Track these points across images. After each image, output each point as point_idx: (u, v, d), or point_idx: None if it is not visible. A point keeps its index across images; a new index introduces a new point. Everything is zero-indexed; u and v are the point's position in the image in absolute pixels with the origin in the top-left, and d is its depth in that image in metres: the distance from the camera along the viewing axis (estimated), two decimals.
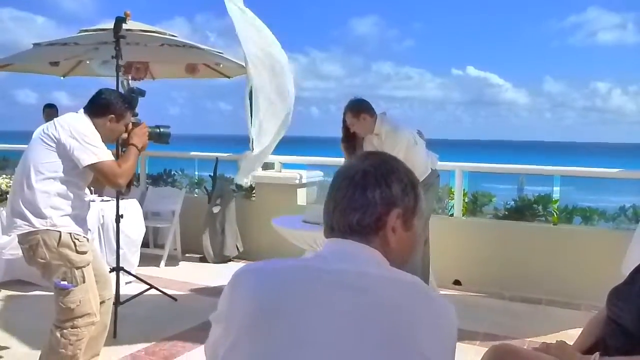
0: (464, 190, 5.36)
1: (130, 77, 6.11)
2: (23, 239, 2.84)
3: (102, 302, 3.07)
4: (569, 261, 4.75)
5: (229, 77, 6.88)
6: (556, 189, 5.13)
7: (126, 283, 4.65)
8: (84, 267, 2.88)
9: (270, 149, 5.47)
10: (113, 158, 2.96)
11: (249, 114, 5.85)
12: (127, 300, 4.18)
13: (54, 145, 2.82)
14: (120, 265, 4.28)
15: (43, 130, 2.90)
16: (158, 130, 3.43)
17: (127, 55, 5.65)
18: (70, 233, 2.85)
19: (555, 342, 2.02)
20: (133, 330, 3.95)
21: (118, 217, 4.18)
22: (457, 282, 5.09)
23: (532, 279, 4.84)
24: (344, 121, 4.47)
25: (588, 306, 4.59)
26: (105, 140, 2.99)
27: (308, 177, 6.15)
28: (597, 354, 1.85)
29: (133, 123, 3.18)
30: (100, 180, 3.02)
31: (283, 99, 5.41)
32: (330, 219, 1.26)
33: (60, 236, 2.81)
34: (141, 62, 6.16)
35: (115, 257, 4.85)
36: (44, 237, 2.80)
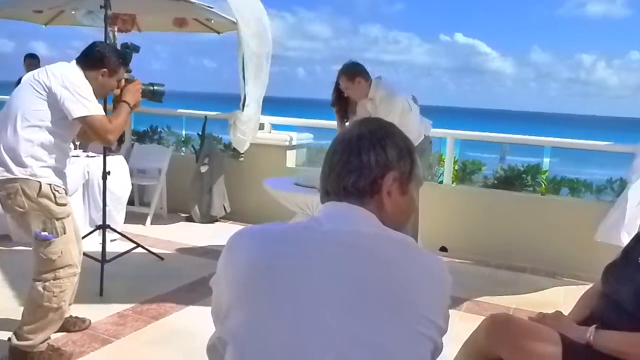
0: (454, 158, 5.34)
1: (116, 29, 5.93)
2: (1, 185, 2.76)
3: None
4: (554, 231, 4.79)
5: (218, 33, 6.67)
6: (546, 160, 5.13)
7: (111, 241, 4.58)
8: (64, 218, 2.83)
9: (258, 114, 5.43)
10: (104, 113, 2.87)
11: (242, 73, 5.77)
12: (113, 258, 4.12)
13: (44, 93, 2.73)
14: (107, 221, 4.22)
15: (33, 76, 2.80)
16: (152, 88, 3.34)
17: (114, 6, 5.49)
18: (50, 184, 2.78)
19: (552, 312, 2.02)
20: (120, 288, 3.92)
21: (105, 174, 4.09)
22: (443, 249, 5.12)
23: (517, 248, 4.88)
24: (337, 84, 4.39)
25: (571, 275, 4.67)
26: (96, 95, 2.90)
27: (298, 139, 6.09)
28: (593, 326, 1.86)
29: (126, 79, 3.11)
30: (88, 134, 2.94)
31: (266, 64, 5.36)
32: (326, 183, 1.27)
33: (40, 186, 2.75)
34: (128, 13, 5.97)
35: (100, 214, 4.82)
36: (23, 185, 2.72)
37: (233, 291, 1.17)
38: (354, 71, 4.27)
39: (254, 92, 5.28)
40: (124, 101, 2.99)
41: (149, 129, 6.85)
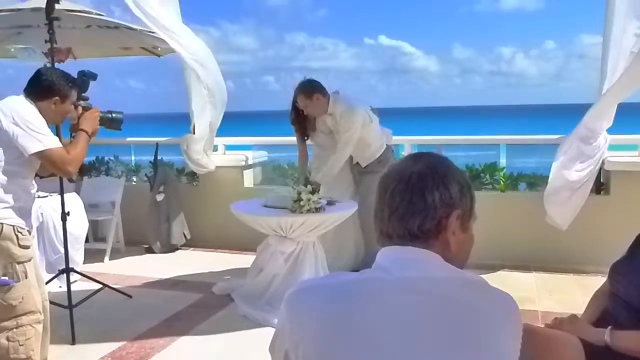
0: None
1: (48, 62, 5.68)
2: None
3: None
4: (518, 226, 4.92)
5: (159, 56, 6.54)
6: (502, 158, 5.26)
7: (72, 282, 4.34)
8: (26, 262, 2.69)
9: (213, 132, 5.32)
10: (60, 145, 2.75)
11: (190, 95, 5.65)
12: (80, 302, 3.91)
13: None
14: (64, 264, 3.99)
15: None
16: (110, 115, 3.23)
17: (43, 39, 5.26)
18: (13, 225, 2.65)
19: (567, 317, 2.04)
20: (92, 333, 3.71)
21: (64, 215, 3.87)
22: None
23: (484, 246, 4.89)
24: (294, 102, 4.36)
25: (540, 267, 4.80)
26: (54, 122, 2.88)
27: (254, 158, 5.99)
28: (609, 328, 1.88)
29: (83, 107, 3.02)
30: (47, 168, 2.82)
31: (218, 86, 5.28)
32: (386, 226, 1.21)
33: (2, 229, 2.61)
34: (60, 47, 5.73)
35: (57, 257, 4.59)
36: None
37: (307, 351, 1.10)
38: (311, 88, 4.25)
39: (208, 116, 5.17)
40: (82, 130, 2.90)
41: (95, 161, 6.56)
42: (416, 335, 1.06)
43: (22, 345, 2.65)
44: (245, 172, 5.91)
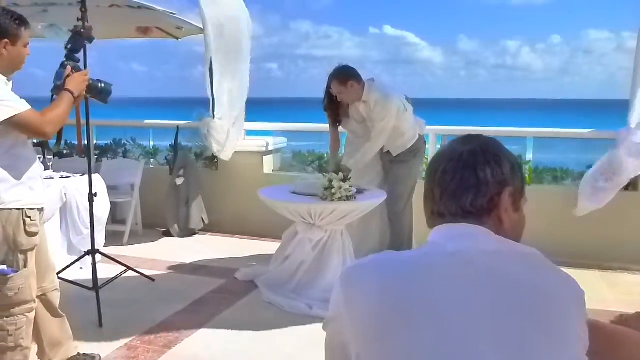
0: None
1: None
2: None
3: (43, 295, 2.73)
4: (543, 220, 4.86)
5: (177, 38, 6.47)
6: (529, 151, 5.19)
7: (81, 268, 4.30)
8: (28, 250, 2.56)
9: (241, 116, 5.25)
10: (29, 106, 2.48)
11: (209, 79, 5.58)
12: (105, 284, 3.87)
13: None
14: (87, 246, 3.95)
15: None
16: (100, 84, 2.99)
17: (69, 17, 5.19)
18: (22, 209, 2.50)
19: (634, 314, 1.99)
20: (119, 317, 3.66)
21: (91, 196, 3.81)
22: None
23: None
24: (328, 88, 4.30)
25: (562, 263, 4.72)
26: (11, 70, 2.55)
27: (274, 144, 5.94)
28: None
29: (73, 68, 2.76)
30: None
31: (244, 63, 5.21)
32: (438, 205, 1.20)
33: (9, 215, 2.47)
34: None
35: (80, 238, 4.56)
36: None
37: (365, 329, 1.08)
38: (346, 75, 4.19)
39: (231, 92, 5.10)
40: (67, 90, 2.64)
41: (112, 143, 6.51)
42: (479, 312, 1.03)
43: (11, 335, 2.53)
44: (265, 158, 5.85)
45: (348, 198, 3.83)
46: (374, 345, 1.05)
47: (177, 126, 5.86)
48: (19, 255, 2.52)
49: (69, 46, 2.84)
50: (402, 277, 1.09)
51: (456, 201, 1.17)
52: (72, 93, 2.64)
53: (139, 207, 5.71)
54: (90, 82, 2.87)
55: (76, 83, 2.69)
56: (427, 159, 4.78)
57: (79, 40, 2.98)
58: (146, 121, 6.36)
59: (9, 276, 2.49)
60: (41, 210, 2.66)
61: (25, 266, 2.54)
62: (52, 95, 2.69)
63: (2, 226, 2.47)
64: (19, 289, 2.52)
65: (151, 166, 6.33)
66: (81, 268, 4.29)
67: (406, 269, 1.11)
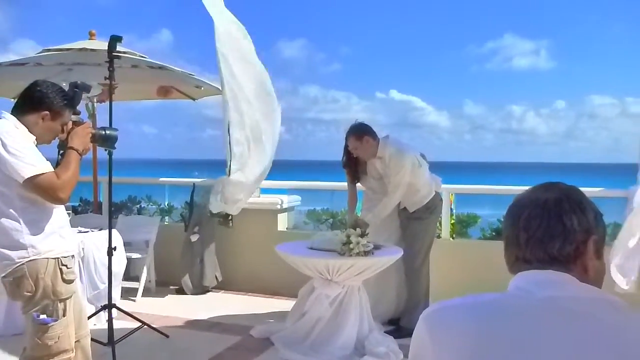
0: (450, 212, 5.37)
1: (95, 100, 5.79)
2: (7, 274, 2.49)
3: (77, 341, 2.70)
4: None
5: (194, 99, 6.66)
6: None
7: (106, 320, 4.28)
8: (67, 299, 2.57)
9: (263, 175, 5.30)
10: (52, 169, 2.51)
11: (228, 138, 5.68)
12: (120, 339, 3.85)
13: None
14: (103, 300, 3.96)
15: None
16: (103, 132, 2.97)
17: (94, 77, 5.37)
18: (56, 258, 2.53)
19: None
20: None
21: (110, 250, 3.86)
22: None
23: None
24: (346, 146, 4.40)
25: None
26: (40, 141, 2.58)
27: (288, 202, 5.99)
28: None
29: (74, 122, 2.74)
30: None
31: (269, 118, 5.28)
32: (524, 251, 1.19)
33: (46, 265, 2.50)
34: (106, 84, 5.86)
35: (96, 292, 4.55)
36: (30, 268, 2.47)
37: None
38: (361, 131, 4.29)
39: (256, 155, 5.17)
40: (72, 148, 2.61)
41: (127, 200, 6.59)
42: (570, 351, 1.04)
43: None
44: (279, 215, 5.89)
45: (366, 253, 3.84)
46: None
47: (194, 183, 5.94)
48: (59, 304, 2.53)
49: (66, 101, 2.71)
50: (498, 320, 1.10)
51: (543, 248, 1.17)
52: (77, 150, 2.63)
53: (152, 263, 5.71)
54: (94, 132, 2.88)
55: (79, 138, 2.67)
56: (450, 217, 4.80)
57: (76, 93, 2.90)
58: (162, 179, 6.44)
59: (49, 325, 2.50)
60: (73, 257, 2.71)
61: (64, 315, 2.55)
62: (59, 152, 2.72)
63: (41, 277, 2.49)
64: (58, 338, 2.52)
65: (165, 223, 6.37)
66: (95, 325, 4.27)
67: (493, 313, 1.12)
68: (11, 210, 2.47)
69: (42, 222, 2.53)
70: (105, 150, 3.25)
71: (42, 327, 2.50)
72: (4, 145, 2.42)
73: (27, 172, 2.41)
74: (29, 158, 2.45)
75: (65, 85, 4.77)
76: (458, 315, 1.13)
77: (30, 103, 2.57)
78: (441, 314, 1.16)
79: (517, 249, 1.21)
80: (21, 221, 2.48)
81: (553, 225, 1.17)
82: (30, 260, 2.49)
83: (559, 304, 1.10)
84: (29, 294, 2.50)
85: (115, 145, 3.12)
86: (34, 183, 2.44)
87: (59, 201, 2.55)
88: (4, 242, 2.47)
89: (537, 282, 1.15)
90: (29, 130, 2.55)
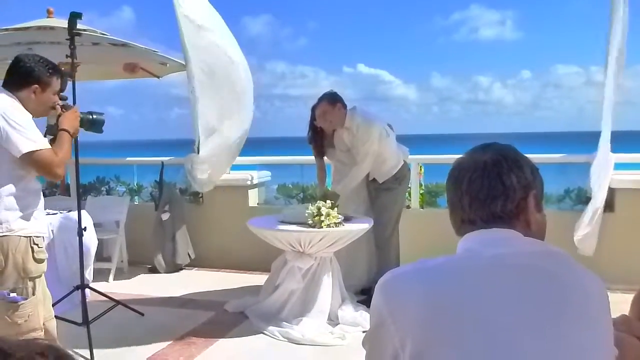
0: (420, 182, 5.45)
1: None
2: None
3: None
4: None
5: (158, 77, 6.56)
6: None
7: (79, 301, 4.27)
8: (37, 277, 2.58)
9: (235, 152, 5.29)
10: (50, 146, 2.58)
11: (195, 116, 5.64)
12: (95, 319, 3.84)
13: None
14: (74, 282, 3.94)
15: None
16: (91, 117, 3.05)
17: (54, 56, 5.25)
18: (29, 236, 2.55)
19: (618, 317, 2.05)
20: (112, 353, 3.64)
21: (80, 230, 3.83)
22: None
23: None
24: (312, 120, 4.41)
25: None
26: (36, 114, 2.64)
27: (258, 178, 6.00)
28: None
29: (62, 106, 2.81)
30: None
31: (238, 98, 5.25)
32: (468, 213, 1.26)
33: (18, 242, 2.51)
34: (67, 63, 5.73)
35: (68, 273, 4.52)
36: (1, 243, 2.49)
37: (414, 339, 1.10)
38: (334, 97, 4.31)
39: (227, 131, 5.15)
40: (63, 129, 2.70)
41: (95, 181, 6.50)
42: (520, 308, 1.10)
43: None
44: (250, 191, 5.90)
45: (337, 225, 3.89)
46: (428, 351, 1.08)
47: (162, 162, 5.89)
48: (28, 283, 2.54)
49: (50, 70, 2.76)
50: (446, 282, 1.14)
51: (487, 208, 1.23)
52: (68, 132, 2.71)
53: (124, 244, 5.69)
54: (82, 116, 2.93)
55: (69, 121, 2.75)
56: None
57: (63, 79, 2.97)
58: (129, 158, 6.37)
59: (19, 303, 2.51)
60: (44, 239, 2.71)
61: (33, 294, 2.56)
62: (45, 136, 2.73)
63: (12, 253, 2.50)
64: (28, 317, 2.53)
65: (135, 203, 6.33)
66: (68, 307, 4.24)
67: (446, 275, 1.16)
68: None
69: (21, 200, 2.54)
70: (92, 133, 3.24)
71: (12, 306, 2.50)
72: (6, 118, 2.47)
73: (26, 147, 2.46)
74: (30, 133, 2.50)
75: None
76: (408, 281, 1.17)
77: (18, 79, 2.61)
78: (393, 282, 1.19)
79: (462, 212, 1.27)
80: (2, 195, 2.49)
81: (494, 186, 1.22)
82: (3, 235, 2.49)
83: (504, 260, 1.16)
84: None
85: (102, 129, 3.16)
86: (32, 158, 2.49)
87: (55, 177, 2.67)
88: None
89: (483, 241, 1.21)
90: (23, 107, 2.59)
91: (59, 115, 2.75)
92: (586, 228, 4.47)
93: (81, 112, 2.94)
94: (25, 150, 2.46)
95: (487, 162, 1.25)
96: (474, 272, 1.15)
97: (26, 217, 2.56)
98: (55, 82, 2.71)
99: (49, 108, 2.74)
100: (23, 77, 2.61)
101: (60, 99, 2.87)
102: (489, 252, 1.18)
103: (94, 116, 3.07)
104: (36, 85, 2.62)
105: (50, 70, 2.68)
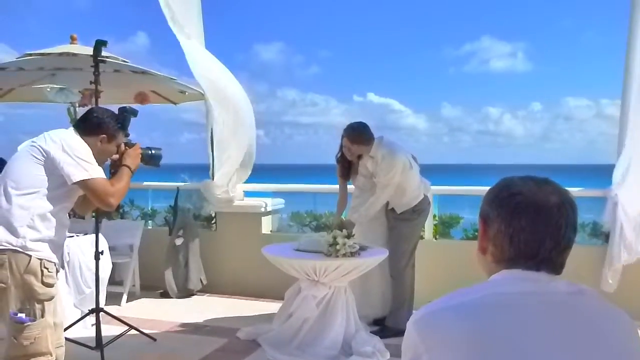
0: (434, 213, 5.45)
1: (77, 104, 5.77)
2: None
3: None
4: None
5: (175, 104, 6.66)
6: None
7: (92, 325, 4.28)
8: (45, 300, 2.58)
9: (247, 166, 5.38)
10: (105, 176, 2.73)
11: (210, 142, 5.73)
12: (108, 343, 3.85)
13: (42, 158, 2.59)
14: (88, 305, 3.96)
15: (31, 142, 2.66)
16: (150, 152, 3.20)
17: (77, 82, 5.35)
18: (41, 259, 2.56)
19: None
20: None
21: (97, 254, 3.87)
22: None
23: None
24: (342, 145, 4.46)
25: None
26: (97, 160, 2.77)
27: (272, 205, 6.02)
28: None
29: (126, 143, 3.01)
30: (86, 202, 2.81)
31: (243, 126, 5.37)
32: (517, 248, 1.21)
33: (29, 261, 2.52)
34: (89, 89, 5.84)
35: (82, 297, 4.53)
36: (11, 258, 2.50)
37: None
38: (359, 136, 4.37)
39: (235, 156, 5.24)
40: (125, 165, 2.88)
41: None
42: (565, 349, 1.10)
43: None
44: (263, 218, 5.92)
45: (352, 254, 3.90)
46: None
47: (177, 187, 5.94)
48: (36, 305, 2.54)
49: (119, 125, 2.95)
50: (480, 320, 1.13)
51: (542, 253, 1.20)
52: (129, 167, 2.88)
53: (137, 268, 5.71)
54: (142, 151, 3.07)
55: (132, 158, 2.93)
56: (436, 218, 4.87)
57: (126, 117, 3.14)
58: (145, 183, 6.42)
59: (25, 324, 2.50)
60: (56, 266, 2.70)
61: (42, 316, 2.55)
62: (110, 171, 2.93)
63: (20, 273, 2.51)
64: (34, 339, 2.52)
65: (149, 227, 6.36)
66: (84, 328, 4.26)
67: (482, 311, 1.14)
68: (30, 201, 2.55)
69: (47, 226, 2.59)
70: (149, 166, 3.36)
71: (19, 326, 2.50)
72: (63, 147, 2.61)
73: (79, 175, 2.60)
74: (86, 164, 2.63)
75: (50, 91, 4.79)
76: (448, 318, 1.15)
77: (89, 127, 2.81)
78: (430, 318, 1.17)
79: (510, 246, 1.22)
80: (30, 214, 2.53)
81: (551, 232, 1.19)
82: (14, 250, 2.50)
83: (541, 298, 1.16)
84: (1, 284, 2.50)
85: (160, 163, 3.29)
86: (86, 184, 2.62)
87: (108, 206, 2.74)
88: (4, 222, 2.50)
89: (525, 278, 1.20)
90: None
91: (123, 152, 2.93)
92: (616, 264, 4.52)
93: (141, 148, 3.08)
94: (76, 179, 2.59)
95: (552, 207, 1.20)
96: (514, 308, 1.15)
97: (44, 241, 2.59)
98: (120, 136, 2.92)
99: (108, 158, 2.92)
100: (94, 126, 2.81)
101: (125, 135, 3.05)
102: (526, 288, 1.17)
103: (153, 151, 3.21)
104: (104, 136, 2.82)
105: (118, 125, 2.90)
